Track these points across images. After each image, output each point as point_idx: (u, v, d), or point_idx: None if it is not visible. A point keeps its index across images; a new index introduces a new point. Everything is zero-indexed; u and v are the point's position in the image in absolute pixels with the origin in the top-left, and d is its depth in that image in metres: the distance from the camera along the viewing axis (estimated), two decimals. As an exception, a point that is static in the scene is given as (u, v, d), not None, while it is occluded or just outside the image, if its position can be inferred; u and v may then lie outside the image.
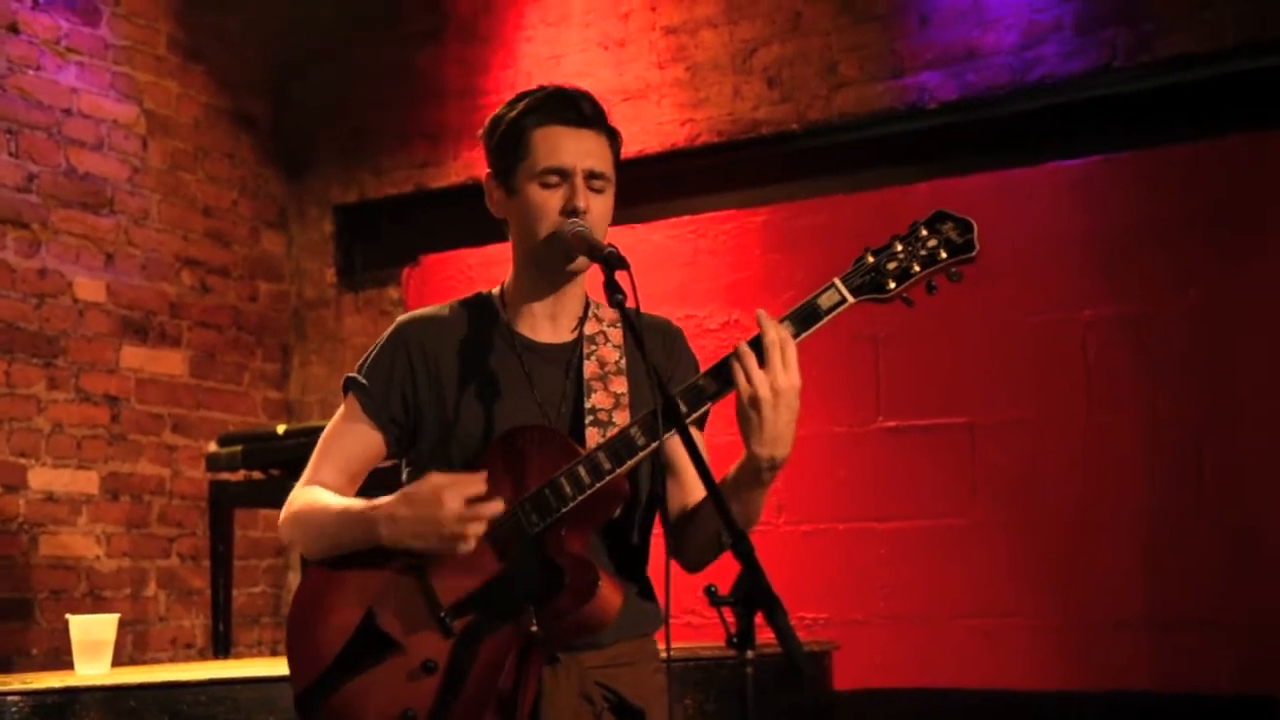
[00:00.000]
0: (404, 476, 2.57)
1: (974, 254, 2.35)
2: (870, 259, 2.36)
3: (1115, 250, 4.83)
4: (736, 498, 2.32)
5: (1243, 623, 4.55)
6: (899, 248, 2.36)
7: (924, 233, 2.37)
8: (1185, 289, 4.72)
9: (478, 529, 2.29)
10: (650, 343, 2.33)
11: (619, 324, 2.54)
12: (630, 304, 2.27)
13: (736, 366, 2.26)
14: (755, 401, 2.24)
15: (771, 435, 2.26)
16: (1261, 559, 4.54)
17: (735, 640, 1.98)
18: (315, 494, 2.50)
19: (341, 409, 2.57)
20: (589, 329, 2.54)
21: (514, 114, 2.49)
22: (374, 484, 2.56)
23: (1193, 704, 4.54)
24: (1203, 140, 4.76)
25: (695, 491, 2.49)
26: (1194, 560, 4.63)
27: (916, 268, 2.35)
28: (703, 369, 2.39)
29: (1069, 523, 4.81)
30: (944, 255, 2.35)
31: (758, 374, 2.24)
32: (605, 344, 2.53)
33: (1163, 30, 4.84)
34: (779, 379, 2.24)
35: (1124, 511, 4.74)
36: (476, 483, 2.30)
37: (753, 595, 1.96)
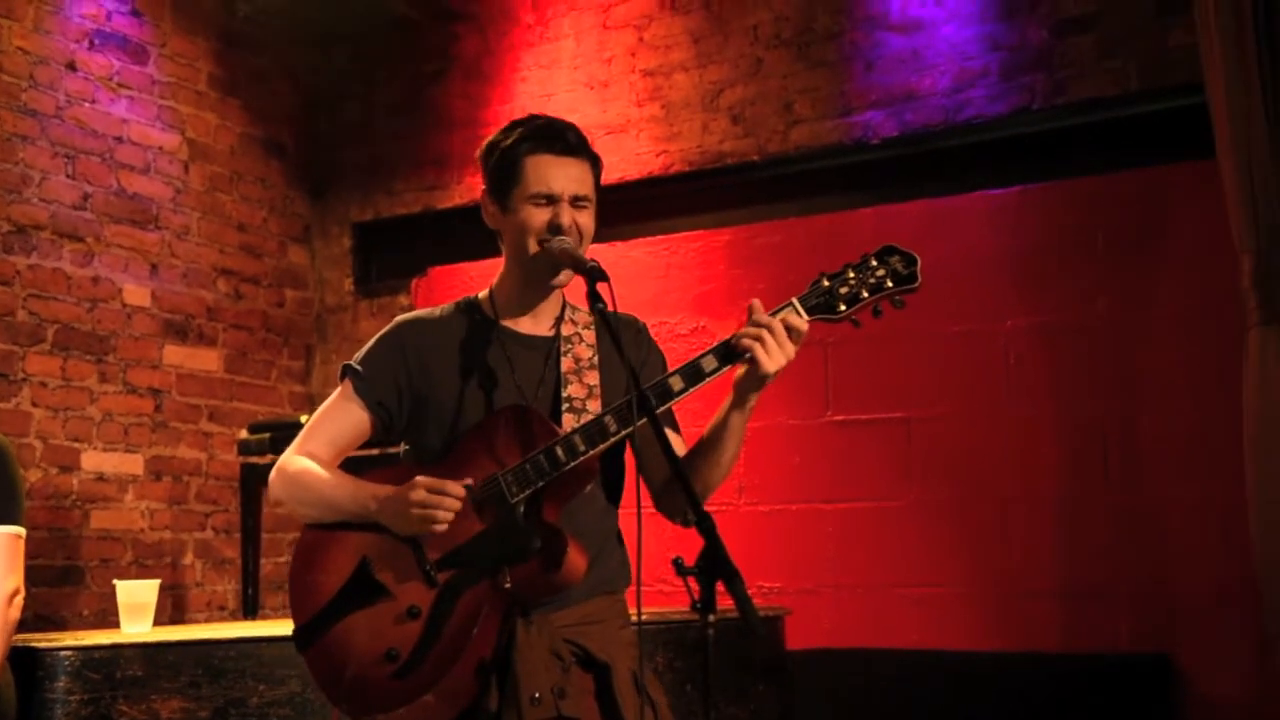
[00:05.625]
0: (401, 454, 2.54)
1: (917, 285, 2.33)
2: (825, 283, 2.32)
3: (1032, 269, 4.83)
4: (730, 433, 2.36)
5: (1141, 592, 4.54)
6: (851, 274, 2.33)
7: (874, 263, 2.33)
8: (1092, 302, 4.72)
9: (443, 515, 2.27)
10: (624, 337, 2.30)
11: (592, 327, 2.51)
12: (610, 309, 2.25)
13: (759, 343, 2.26)
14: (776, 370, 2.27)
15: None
16: (1157, 536, 4.54)
17: (699, 606, 1.98)
18: (309, 464, 2.46)
19: (337, 391, 2.53)
20: (565, 330, 2.50)
21: (509, 141, 2.44)
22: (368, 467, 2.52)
23: (1097, 663, 4.53)
24: (1109, 173, 4.76)
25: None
26: (1099, 537, 4.63)
27: (865, 294, 2.32)
28: (670, 368, 2.38)
29: (991, 504, 4.81)
30: (890, 284, 2.32)
31: (777, 350, 2.26)
32: (580, 343, 2.49)
33: (1075, 77, 4.84)
34: (787, 351, 2.28)
35: (1038, 495, 4.74)
36: (451, 484, 2.28)
37: (714, 567, 1.95)
